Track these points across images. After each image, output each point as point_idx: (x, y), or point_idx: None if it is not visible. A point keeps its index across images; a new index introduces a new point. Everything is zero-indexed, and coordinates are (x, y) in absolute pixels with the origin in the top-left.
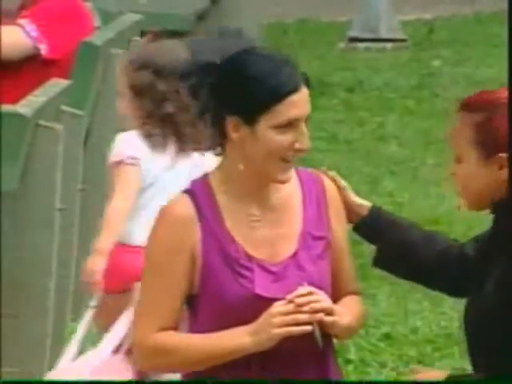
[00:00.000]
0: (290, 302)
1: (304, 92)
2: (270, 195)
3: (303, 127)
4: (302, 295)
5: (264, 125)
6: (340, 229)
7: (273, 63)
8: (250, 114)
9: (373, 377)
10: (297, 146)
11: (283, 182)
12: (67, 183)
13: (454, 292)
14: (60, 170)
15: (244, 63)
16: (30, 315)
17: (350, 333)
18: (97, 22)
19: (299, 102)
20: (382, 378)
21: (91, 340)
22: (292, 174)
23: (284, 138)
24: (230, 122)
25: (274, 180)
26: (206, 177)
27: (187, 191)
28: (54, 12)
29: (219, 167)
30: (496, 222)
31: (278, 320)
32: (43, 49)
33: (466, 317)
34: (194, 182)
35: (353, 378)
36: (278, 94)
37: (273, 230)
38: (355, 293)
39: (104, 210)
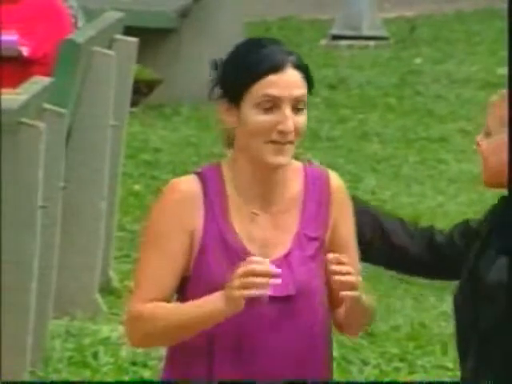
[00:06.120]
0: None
1: (289, 74)
2: (277, 191)
3: (286, 109)
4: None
5: (247, 105)
6: (344, 228)
7: (256, 45)
8: (234, 95)
9: (355, 375)
10: (279, 127)
11: (276, 166)
12: (49, 181)
13: (422, 273)
14: (42, 168)
15: (234, 49)
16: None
17: (366, 318)
18: (81, 20)
19: (279, 83)
20: (364, 376)
21: None
22: (289, 159)
23: (264, 119)
24: (223, 106)
25: (267, 163)
26: (219, 164)
27: (198, 173)
28: (32, 12)
29: (229, 157)
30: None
31: (237, 282)
32: (25, 50)
33: (461, 306)
34: (206, 167)
35: (335, 375)
36: (255, 73)
37: (271, 229)
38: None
39: (86, 208)
